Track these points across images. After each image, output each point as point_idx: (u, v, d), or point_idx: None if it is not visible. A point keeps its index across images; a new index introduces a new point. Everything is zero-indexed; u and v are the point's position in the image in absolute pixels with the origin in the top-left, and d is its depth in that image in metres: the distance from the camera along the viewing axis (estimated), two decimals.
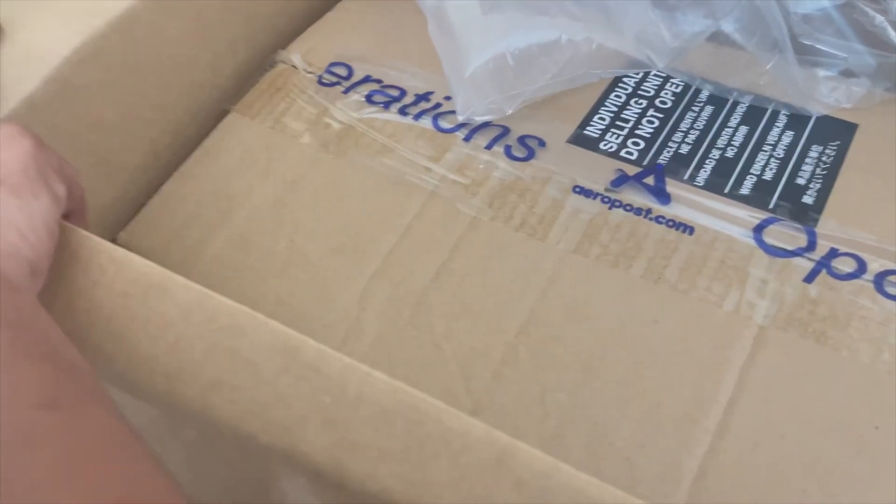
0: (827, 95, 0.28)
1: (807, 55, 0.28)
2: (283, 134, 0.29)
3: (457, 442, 0.16)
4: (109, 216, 0.28)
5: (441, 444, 0.16)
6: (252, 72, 0.31)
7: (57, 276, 0.19)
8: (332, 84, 0.30)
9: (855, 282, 0.23)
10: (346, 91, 0.30)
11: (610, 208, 0.26)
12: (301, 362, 0.17)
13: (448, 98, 0.29)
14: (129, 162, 0.28)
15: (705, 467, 0.20)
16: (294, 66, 0.31)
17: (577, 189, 0.26)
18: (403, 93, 0.29)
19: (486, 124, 0.28)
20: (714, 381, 0.22)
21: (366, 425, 0.17)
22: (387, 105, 0.29)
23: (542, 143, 0.28)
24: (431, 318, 0.24)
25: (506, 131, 0.28)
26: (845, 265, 0.23)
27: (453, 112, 0.28)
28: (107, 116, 0.27)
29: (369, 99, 0.29)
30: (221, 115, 0.30)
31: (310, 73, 0.31)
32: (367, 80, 0.30)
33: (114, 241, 0.28)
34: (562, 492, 0.15)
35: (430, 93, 0.29)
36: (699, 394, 0.22)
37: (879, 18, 0.27)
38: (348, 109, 0.29)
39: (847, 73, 0.28)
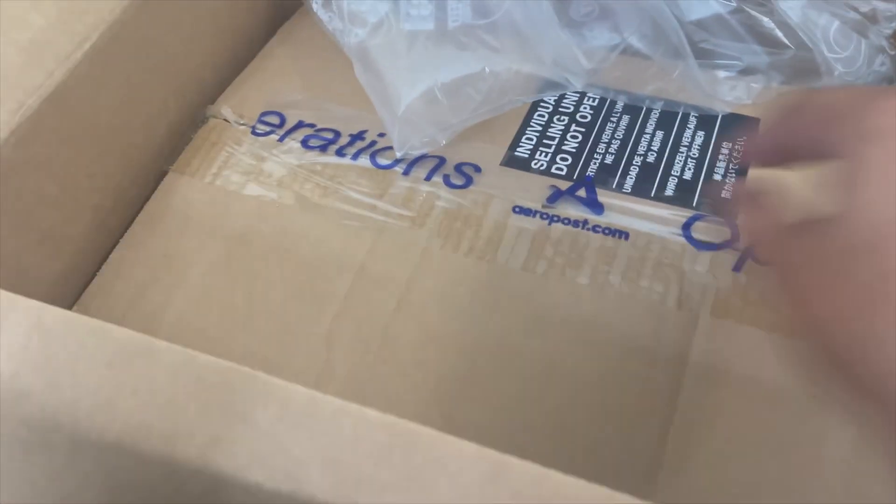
0: (728, 94, 0.30)
1: (707, 59, 0.31)
2: (224, 188, 0.29)
3: (453, 464, 0.17)
4: (59, 291, 0.28)
5: (439, 469, 0.17)
6: (184, 128, 0.32)
7: (34, 354, 0.19)
8: (267, 133, 0.31)
9: None
10: (282, 139, 0.30)
11: (549, 224, 0.27)
12: (295, 409, 0.18)
13: (382, 135, 0.30)
14: (75, 233, 0.28)
15: (668, 456, 0.22)
16: (226, 120, 0.31)
17: (517, 209, 0.28)
18: (338, 134, 0.30)
19: (422, 156, 0.29)
20: (667, 376, 0.24)
21: (366, 461, 0.17)
22: (324, 148, 0.30)
23: (477, 169, 0.29)
24: (397, 349, 0.25)
25: (442, 161, 0.29)
26: None
27: (389, 148, 0.30)
28: (48, 191, 0.27)
29: (305, 144, 0.30)
30: (160, 175, 0.30)
31: (242, 124, 0.31)
32: (300, 125, 0.31)
33: None
34: (556, 496, 0.16)
35: (364, 131, 0.30)
36: (654, 389, 0.23)
37: (766, 20, 0.30)
38: (286, 157, 0.30)
39: (745, 72, 0.31)
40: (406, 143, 0.29)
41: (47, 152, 0.27)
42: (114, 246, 0.29)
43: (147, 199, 0.30)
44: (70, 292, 0.28)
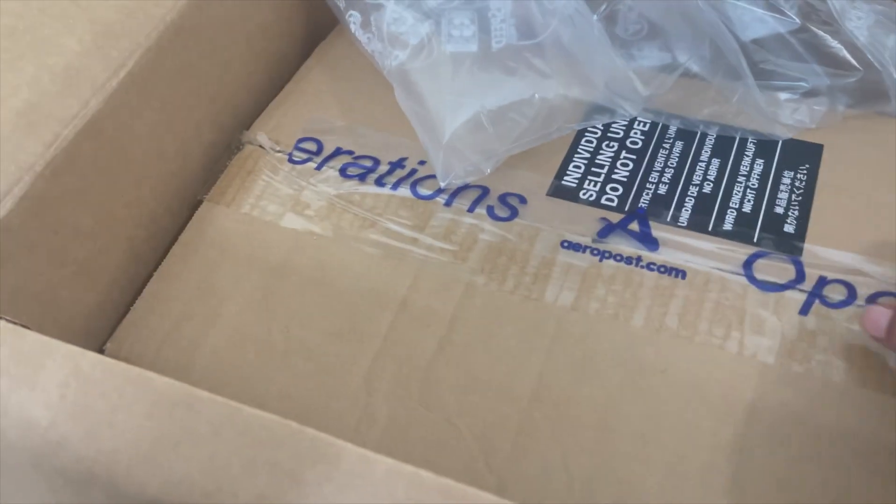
0: (790, 117, 0.29)
1: (767, 80, 0.29)
2: (261, 219, 0.28)
3: None
4: (94, 323, 0.27)
5: None
6: (219, 153, 0.31)
7: (72, 403, 0.19)
8: (304, 161, 0.30)
9: (848, 309, 0.24)
10: (319, 167, 0.29)
11: (601, 260, 0.26)
12: (345, 469, 0.17)
13: (422, 163, 0.29)
14: (110, 265, 0.27)
15: None
16: (261, 147, 0.30)
17: (566, 244, 0.26)
18: (377, 162, 0.29)
19: (464, 186, 0.28)
20: (730, 426, 0.22)
21: None
22: (362, 177, 0.29)
23: (522, 200, 0.28)
24: (441, 393, 0.24)
25: (485, 192, 0.28)
26: (836, 293, 0.24)
27: (431, 177, 0.28)
28: (84, 223, 0.26)
29: (343, 172, 0.29)
30: (195, 203, 0.30)
31: (278, 151, 0.30)
32: (338, 152, 0.30)
33: (101, 351, 0.27)
34: None
35: (404, 158, 0.29)
36: (716, 440, 0.22)
37: (832, 39, 0.28)
38: (324, 186, 0.29)
39: (807, 94, 0.29)
40: (450, 171, 0.27)
41: (83, 184, 0.26)
42: (148, 277, 0.28)
43: (181, 228, 0.29)
44: (105, 325, 0.28)
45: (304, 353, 0.25)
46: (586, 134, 0.30)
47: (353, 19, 0.31)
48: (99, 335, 0.27)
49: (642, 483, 0.22)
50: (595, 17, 0.28)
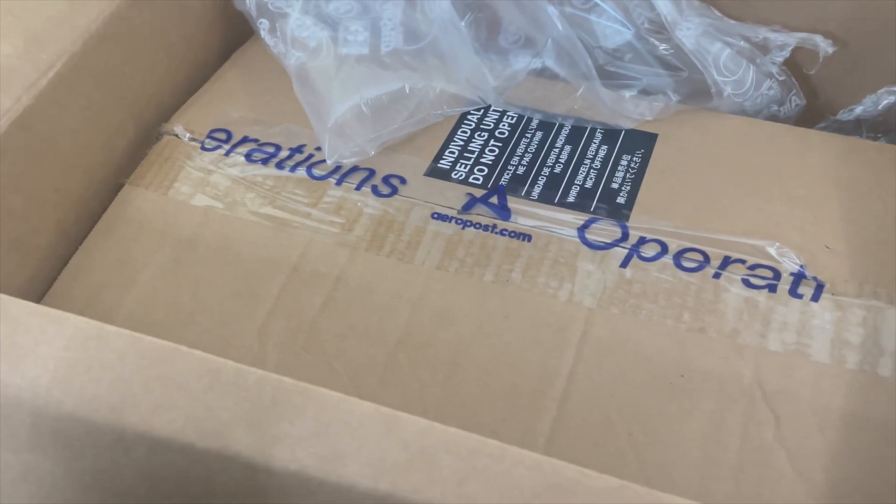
0: (633, 111, 0.34)
1: (614, 79, 0.34)
2: (175, 199, 0.33)
3: (354, 420, 0.20)
4: (27, 295, 0.31)
5: (342, 425, 0.20)
6: (141, 144, 0.35)
7: (2, 341, 0.23)
8: (214, 148, 0.34)
9: (659, 261, 0.28)
10: (228, 153, 0.34)
11: (463, 228, 0.30)
12: (224, 380, 0.21)
13: (318, 149, 0.33)
14: (41, 243, 0.31)
15: (555, 428, 0.25)
16: (178, 136, 0.35)
17: (435, 215, 0.31)
18: (279, 148, 0.34)
19: (354, 169, 0.33)
20: (557, 359, 0.27)
21: (282, 421, 0.21)
22: (265, 161, 0.33)
23: (403, 181, 0.32)
24: (322, 342, 0.28)
25: (371, 173, 0.32)
26: (651, 249, 0.29)
27: (324, 161, 0.33)
28: (16, 205, 0.30)
29: (249, 158, 0.33)
30: (117, 187, 0.34)
31: (193, 140, 0.34)
32: (245, 140, 0.34)
33: None
34: (440, 443, 0.19)
35: (303, 145, 0.34)
36: (546, 370, 0.27)
37: (665, 46, 0.33)
38: (231, 170, 0.33)
39: (647, 92, 0.34)
40: (335, 152, 0.32)
41: (14, 170, 0.30)
42: (74, 253, 0.32)
43: (105, 211, 0.33)
44: (35, 296, 0.31)
45: (207, 312, 0.29)
46: (462, 125, 0.34)
47: (263, 25, 0.36)
48: None
49: (484, 408, 0.26)
50: (462, 23, 0.33)
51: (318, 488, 0.20)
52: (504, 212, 0.31)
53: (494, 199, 0.31)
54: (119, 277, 0.31)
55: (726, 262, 0.28)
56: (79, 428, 0.23)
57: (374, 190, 0.32)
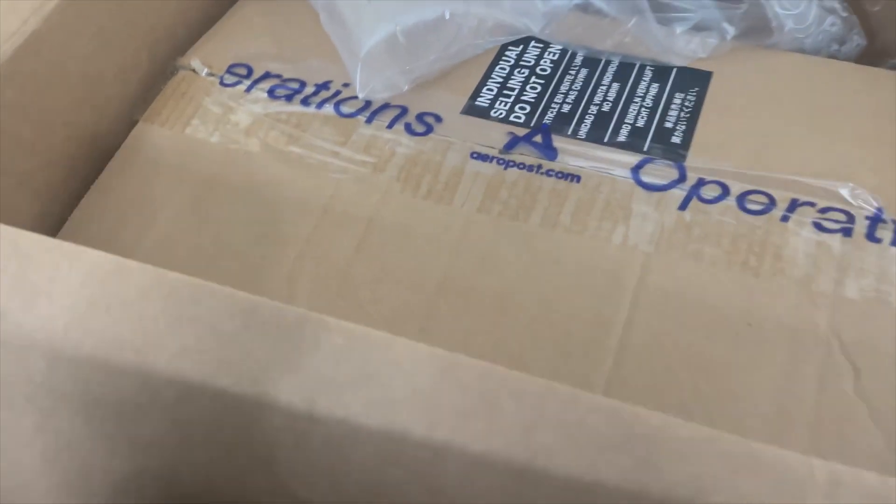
0: (684, 48, 0.31)
1: (664, 13, 0.32)
2: (193, 136, 0.30)
3: (406, 362, 0.18)
4: (37, 232, 0.29)
5: (393, 368, 0.18)
6: (156, 80, 0.33)
7: (11, 277, 0.21)
8: (234, 84, 0.32)
9: (720, 204, 0.26)
10: (249, 89, 0.31)
11: (505, 168, 0.28)
12: (259, 319, 0.19)
13: (346, 85, 0.31)
14: (52, 179, 0.29)
15: (611, 380, 0.23)
16: (195, 71, 0.32)
17: (475, 155, 0.29)
18: (304, 84, 0.31)
19: (385, 106, 0.30)
20: (612, 306, 0.25)
21: (326, 363, 0.19)
22: (289, 98, 0.31)
23: (438, 119, 0.30)
24: (356, 287, 0.26)
25: (404, 111, 0.30)
26: (712, 191, 0.27)
27: (354, 98, 0.31)
28: (24, 136, 0.28)
29: (272, 94, 0.31)
30: (132, 125, 0.31)
31: (211, 75, 0.32)
32: (267, 76, 0.32)
33: None
34: (499, 389, 0.17)
35: (329, 81, 0.31)
36: (600, 319, 0.25)
37: None
38: (253, 106, 0.31)
39: (700, 27, 0.32)
40: (367, 85, 0.29)
41: (22, 99, 0.28)
42: (86, 192, 0.30)
43: (118, 148, 0.31)
44: (47, 234, 0.29)
45: (232, 256, 0.27)
46: (500, 62, 0.32)
47: None
48: None
49: (533, 359, 0.24)
50: None
51: (367, 438, 0.18)
52: (550, 151, 0.28)
53: (539, 138, 0.29)
54: (136, 217, 0.28)
55: (794, 204, 0.26)
56: (100, 371, 0.21)
57: (408, 128, 0.30)
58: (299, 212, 0.28)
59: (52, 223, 0.29)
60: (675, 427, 0.16)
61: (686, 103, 0.30)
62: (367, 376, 0.18)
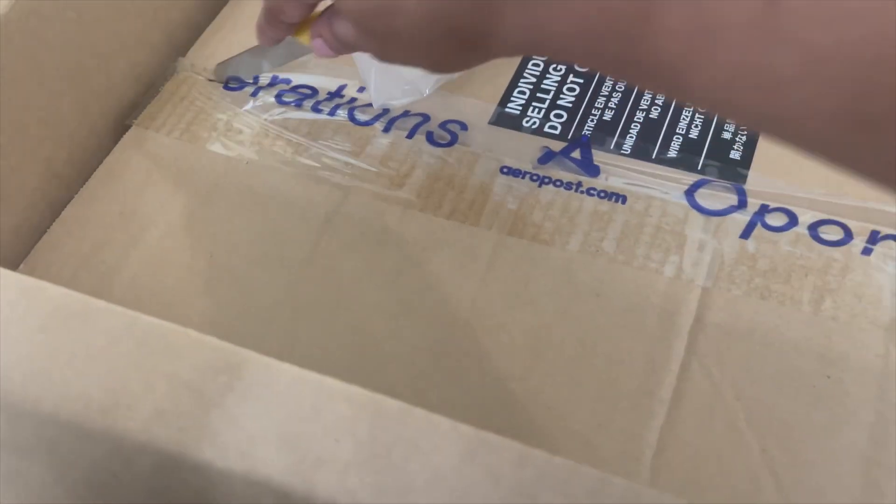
0: None
1: None
2: (191, 144, 0.27)
3: (424, 441, 0.15)
4: (9, 247, 0.26)
5: (409, 446, 0.15)
6: (149, 74, 0.29)
7: None
8: (239, 88, 0.28)
9: (790, 232, 0.23)
10: (255, 93, 0.28)
11: (539, 186, 0.25)
12: (248, 379, 0.16)
13: (361, 90, 0.28)
14: (26, 185, 0.26)
15: (665, 439, 0.20)
16: (196, 74, 0.29)
17: (505, 170, 0.25)
18: (315, 90, 0.28)
19: (405, 114, 0.27)
20: (664, 350, 0.21)
21: (326, 436, 0.15)
22: (298, 103, 0.28)
23: (464, 127, 0.27)
24: (369, 319, 0.23)
25: (426, 118, 0.27)
26: (777, 220, 0.23)
27: (369, 105, 0.27)
28: None
29: (280, 99, 0.28)
30: (122, 128, 0.28)
31: (213, 79, 0.29)
32: (275, 80, 0.28)
33: None
34: (541, 478, 0.14)
35: (343, 86, 0.28)
36: (650, 365, 0.21)
37: None
38: (259, 112, 0.28)
39: None
40: (384, 93, 0.26)
41: None
42: (69, 200, 0.26)
43: (107, 152, 0.28)
44: (21, 249, 0.26)
45: (228, 279, 0.24)
46: (532, 58, 0.28)
47: None
48: (14, 259, 0.26)
49: (573, 411, 0.21)
50: None
51: None
52: (590, 168, 0.25)
53: (577, 153, 0.25)
54: (122, 234, 0.25)
55: (875, 237, 0.22)
56: (65, 433, 0.17)
57: (429, 138, 0.26)
58: (305, 230, 0.25)
59: (32, 235, 0.26)
60: None
61: None
62: (376, 456, 0.15)
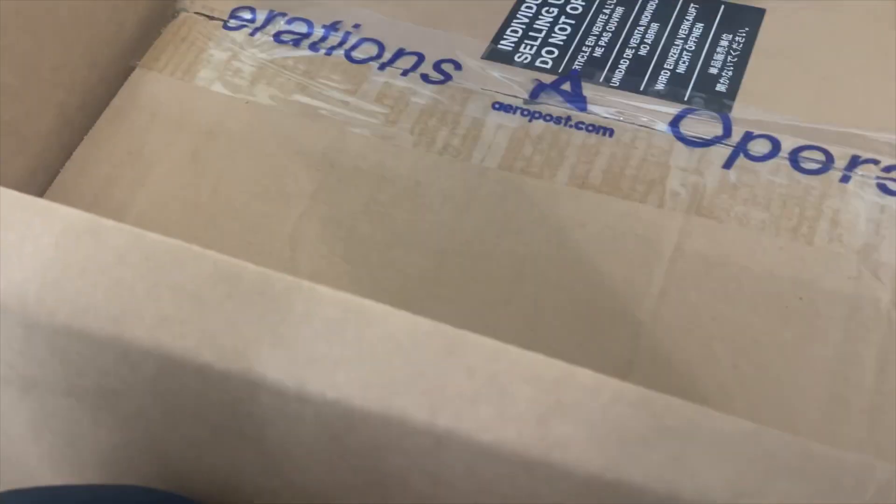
0: None
1: None
2: (193, 84, 0.28)
3: (406, 339, 0.16)
4: (26, 188, 0.27)
5: (393, 345, 0.16)
6: (154, 18, 0.30)
7: None
8: (238, 28, 0.29)
9: (771, 161, 0.23)
10: (253, 33, 0.29)
11: (530, 121, 0.25)
12: (244, 288, 0.17)
13: (357, 26, 0.28)
14: (41, 129, 0.27)
15: (641, 357, 0.21)
16: (197, 14, 0.30)
17: (497, 105, 0.26)
18: (311, 25, 0.29)
19: (400, 52, 0.28)
20: (645, 275, 0.22)
21: (318, 338, 0.17)
22: (297, 42, 0.28)
23: (458, 66, 0.27)
24: (364, 249, 0.24)
25: (421, 58, 0.28)
26: (761, 147, 0.24)
27: (365, 41, 0.28)
28: (8, 82, 0.26)
29: (278, 38, 0.29)
30: (128, 71, 0.29)
31: (214, 19, 0.30)
32: (271, 17, 0.29)
33: None
34: (511, 372, 0.15)
35: (338, 22, 0.29)
36: (631, 288, 0.22)
37: None
38: (257, 52, 0.28)
39: None
40: None
41: (4, 41, 0.26)
42: (80, 143, 0.28)
43: (114, 95, 0.29)
44: (38, 190, 0.28)
45: (231, 213, 0.25)
46: (526, 0, 0.29)
47: None
48: None
49: (555, 331, 0.22)
50: None
51: (363, 421, 0.16)
52: (579, 101, 0.26)
53: (567, 86, 0.26)
54: (130, 171, 0.26)
55: (855, 161, 0.23)
56: (77, 342, 0.19)
57: (424, 78, 0.27)
58: (304, 166, 0.26)
59: (46, 177, 0.27)
60: (711, 420, 0.14)
61: (734, 46, 0.27)
62: (362, 354, 0.16)
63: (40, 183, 0.28)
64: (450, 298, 0.23)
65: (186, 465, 0.21)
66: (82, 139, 0.28)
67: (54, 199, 0.27)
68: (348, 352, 0.17)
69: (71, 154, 0.28)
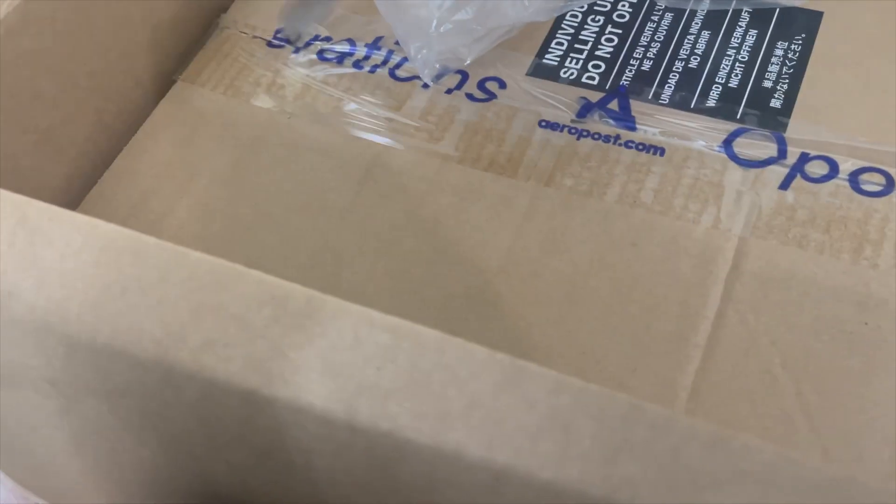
0: None
1: None
2: (236, 99, 0.28)
3: (462, 368, 0.16)
4: (63, 196, 0.27)
5: (447, 375, 0.16)
6: (191, 29, 0.30)
7: (20, 252, 0.18)
8: (282, 45, 0.29)
9: (830, 183, 0.23)
10: (296, 51, 0.29)
11: (578, 139, 0.25)
12: (292, 310, 0.17)
13: (398, 43, 0.28)
14: (77, 136, 0.27)
15: (699, 383, 0.20)
16: (241, 32, 0.30)
17: (543, 123, 0.25)
18: (353, 44, 0.28)
19: (443, 72, 0.27)
20: (700, 297, 0.21)
21: (368, 365, 0.16)
22: (340, 60, 0.28)
23: (502, 84, 0.27)
24: (407, 265, 0.24)
25: (465, 77, 0.27)
26: (818, 168, 0.23)
27: (406, 60, 0.27)
28: (44, 88, 0.25)
29: (321, 56, 0.28)
30: (167, 83, 0.29)
31: (257, 36, 0.29)
32: (316, 38, 0.29)
33: None
34: (574, 406, 0.15)
35: (380, 38, 0.28)
36: (686, 311, 0.21)
37: None
38: (301, 69, 0.28)
39: None
40: (428, 64, 0.26)
41: (40, 47, 0.25)
42: (119, 150, 0.27)
43: (152, 104, 0.28)
44: (74, 198, 0.27)
45: (271, 226, 0.25)
46: (571, 10, 0.28)
47: None
48: (68, 208, 0.27)
49: (608, 355, 0.21)
50: None
51: (415, 454, 0.16)
52: (628, 121, 0.25)
53: (615, 105, 0.25)
54: (169, 183, 0.26)
55: None
56: (119, 362, 0.19)
57: (469, 96, 0.27)
58: (346, 180, 0.25)
59: (83, 186, 0.27)
60: (792, 466, 0.13)
61: (789, 55, 0.26)
62: (415, 384, 0.16)
63: (77, 190, 0.27)
64: (498, 319, 0.22)
65: (230, 489, 0.21)
66: (119, 146, 0.28)
67: (92, 208, 0.26)
68: (400, 381, 0.16)
69: (108, 162, 0.27)
